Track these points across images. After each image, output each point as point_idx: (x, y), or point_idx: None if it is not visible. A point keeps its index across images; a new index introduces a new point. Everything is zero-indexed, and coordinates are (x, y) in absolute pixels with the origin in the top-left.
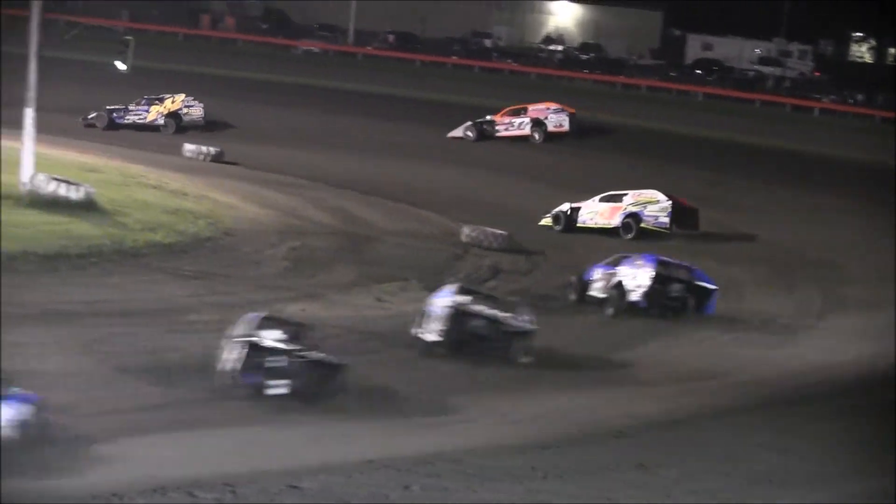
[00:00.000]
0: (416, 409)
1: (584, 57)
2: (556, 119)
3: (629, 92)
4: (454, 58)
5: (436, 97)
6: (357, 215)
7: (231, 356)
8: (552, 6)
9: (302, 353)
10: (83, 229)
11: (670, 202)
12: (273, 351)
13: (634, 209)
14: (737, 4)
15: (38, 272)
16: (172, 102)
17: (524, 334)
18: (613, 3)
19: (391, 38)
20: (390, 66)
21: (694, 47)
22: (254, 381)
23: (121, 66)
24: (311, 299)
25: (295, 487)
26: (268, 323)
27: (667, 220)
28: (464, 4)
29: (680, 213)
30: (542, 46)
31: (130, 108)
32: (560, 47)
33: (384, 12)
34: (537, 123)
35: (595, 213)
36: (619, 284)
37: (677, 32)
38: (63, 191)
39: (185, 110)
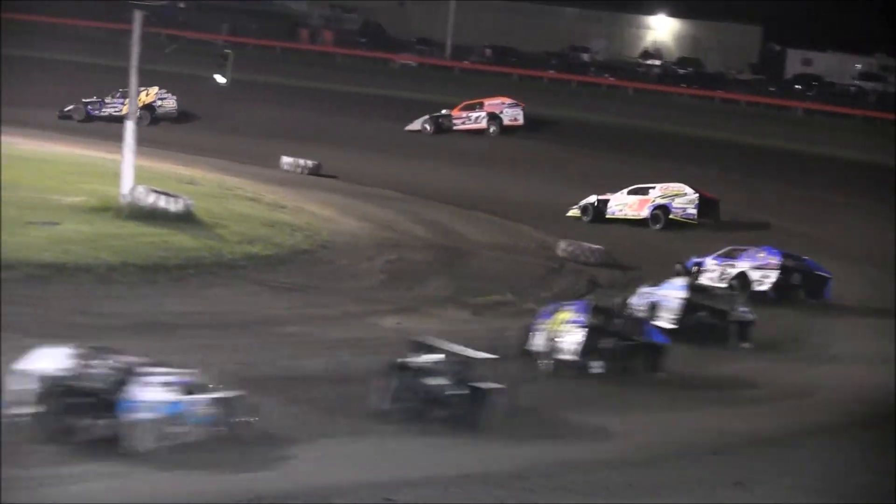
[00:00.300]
0: (511, 425)
1: (683, 71)
2: (511, 113)
3: (728, 107)
4: (551, 72)
5: (533, 112)
6: (453, 229)
7: (573, 339)
8: (650, 21)
9: (631, 337)
10: (182, 241)
11: (697, 195)
12: (607, 334)
13: (663, 201)
14: (837, 19)
15: (137, 283)
16: (147, 95)
17: (745, 324)
18: (712, 18)
19: (488, 52)
20: (487, 80)
21: (794, 62)
22: (584, 362)
23: (220, 79)
24: (407, 312)
25: (390, 500)
26: (595, 310)
27: (694, 211)
28: (562, 18)
29: (704, 205)
30: (640, 61)
31: (106, 100)
32: (658, 62)
33: (482, 26)
34: (493, 117)
35: (624, 204)
36: (743, 275)
37: (777, 47)
38: (162, 203)
39: (158, 103)
